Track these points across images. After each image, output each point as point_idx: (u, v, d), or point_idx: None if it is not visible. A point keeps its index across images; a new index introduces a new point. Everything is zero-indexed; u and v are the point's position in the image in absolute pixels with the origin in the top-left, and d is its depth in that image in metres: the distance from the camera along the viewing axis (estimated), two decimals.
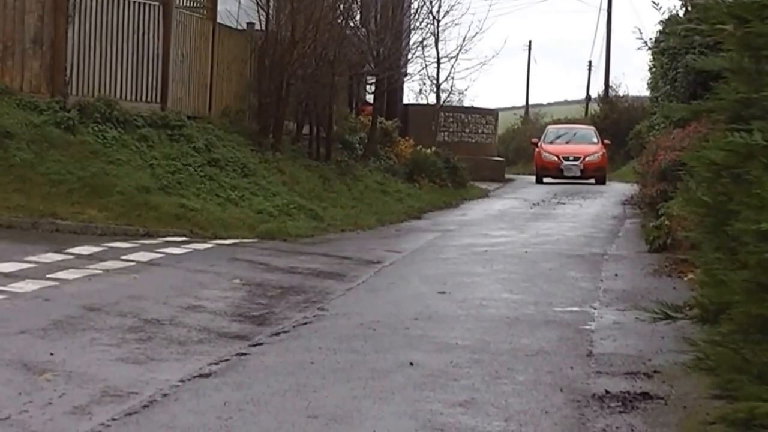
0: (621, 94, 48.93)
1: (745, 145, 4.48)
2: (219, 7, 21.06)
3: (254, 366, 7.30)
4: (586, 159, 33.24)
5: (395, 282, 11.38)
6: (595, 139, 34.89)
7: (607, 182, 33.07)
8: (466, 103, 38.27)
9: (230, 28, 21.56)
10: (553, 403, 6.38)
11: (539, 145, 34.92)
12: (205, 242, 14.12)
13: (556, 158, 33.48)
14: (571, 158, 33.29)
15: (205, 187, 16.59)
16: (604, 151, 34.09)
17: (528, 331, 8.64)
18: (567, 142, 34.96)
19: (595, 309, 9.77)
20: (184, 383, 6.76)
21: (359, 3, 25.21)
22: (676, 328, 6.21)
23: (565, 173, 33.12)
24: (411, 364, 7.31)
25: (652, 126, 22.44)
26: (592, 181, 33.01)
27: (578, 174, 33.00)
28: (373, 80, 27.04)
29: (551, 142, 35.09)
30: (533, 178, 35.03)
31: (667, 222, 13.24)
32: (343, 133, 24.26)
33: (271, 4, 21.20)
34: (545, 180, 33.67)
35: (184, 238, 14.23)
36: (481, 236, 16.46)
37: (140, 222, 14.63)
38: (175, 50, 18.86)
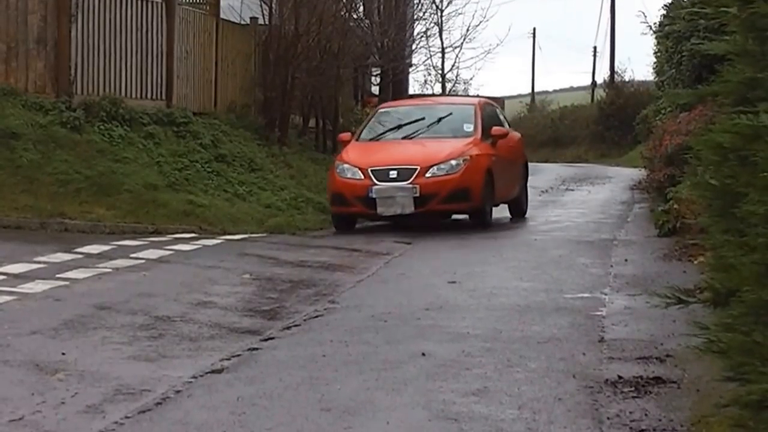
0: (627, 80, 48.83)
1: (752, 126, 4.47)
2: (222, 3, 21.12)
3: (266, 360, 7.31)
4: (428, 174, 15.05)
5: (405, 273, 11.37)
6: (469, 127, 16.28)
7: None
8: (472, 92, 38.26)
9: (233, 23, 21.58)
10: (566, 390, 6.38)
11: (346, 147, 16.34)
12: (214, 238, 14.15)
13: (361, 175, 15.23)
14: (393, 174, 15.09)
15: (212, 182, 16.62)
16: (488, 153, 15.80)
17: (539, 318, 8.63)
18: (404, 137, 16.41)
19: (605, 295, 9.75)
20: (196, 379, 6.76)
21: None
22: (687, 312, 6.18)
23: (380, 208, 15.03)
24: (423, 354, 7.31)
25: (659, 110, 22.35)
26: (463, 216, 16.14)
27: (410, 208, 14.93)
28: (378, 72, 27.04)
29: (372, 138, 16.57)
30: (540, 165, 28.63)
31: (675, 206, 13.20)
32: (349, 125, 24.22)
33: None
34: (350, 223, 15.85)
35: (192, 235, 14.25)
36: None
37: (149, 219, 14.66)
38: (178, 47, 18.87)
